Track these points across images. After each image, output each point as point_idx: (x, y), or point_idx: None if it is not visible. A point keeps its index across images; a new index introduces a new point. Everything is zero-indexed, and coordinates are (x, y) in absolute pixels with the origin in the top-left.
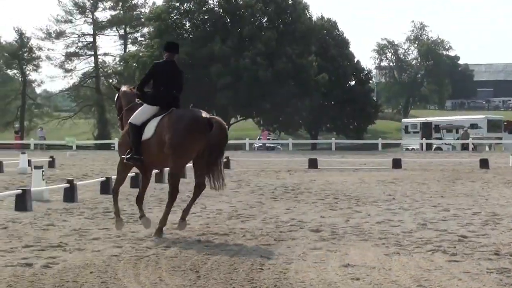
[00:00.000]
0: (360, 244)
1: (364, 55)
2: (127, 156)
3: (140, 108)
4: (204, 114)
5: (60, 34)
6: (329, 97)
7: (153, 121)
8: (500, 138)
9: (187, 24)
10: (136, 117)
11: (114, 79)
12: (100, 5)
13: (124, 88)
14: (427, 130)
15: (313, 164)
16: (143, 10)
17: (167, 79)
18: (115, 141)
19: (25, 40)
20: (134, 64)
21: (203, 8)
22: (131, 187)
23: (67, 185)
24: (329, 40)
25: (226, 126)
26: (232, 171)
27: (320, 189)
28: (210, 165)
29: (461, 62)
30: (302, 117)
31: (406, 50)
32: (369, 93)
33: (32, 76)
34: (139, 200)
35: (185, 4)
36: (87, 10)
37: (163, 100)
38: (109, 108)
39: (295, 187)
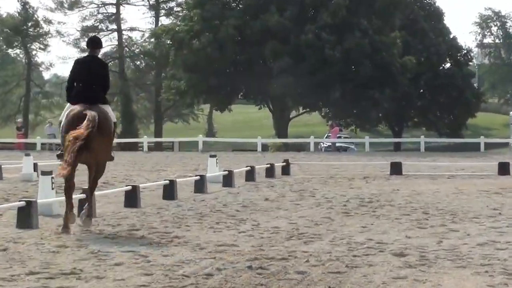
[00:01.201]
0: (456, 272)
1: (463, 29)
2: (58, 153)
3: (66, 107)
4: (86, 111)
5: (74, 4)
6: (417, 83)
7: None
8: None
9: None
10: (62, 115)
11: (142, 61)
12: None
13: None
14: None
15: (396, 169)
16: None
17: (86, 74)
18: (145, 140)
19: (31, 12)
20: (168, 42)
21: None
22: (163, 198)
23: (82, 195)
24: (417, 11)
25: (96, 120)
26: (292, 178)
27: (405, 202)
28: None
29: None
30: (382, 109)
31: None
32: (469, 79)
33: (39, 57)
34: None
35: None
36: None
37: (81, 96)
38: (137, 98)
39: (373, 199)
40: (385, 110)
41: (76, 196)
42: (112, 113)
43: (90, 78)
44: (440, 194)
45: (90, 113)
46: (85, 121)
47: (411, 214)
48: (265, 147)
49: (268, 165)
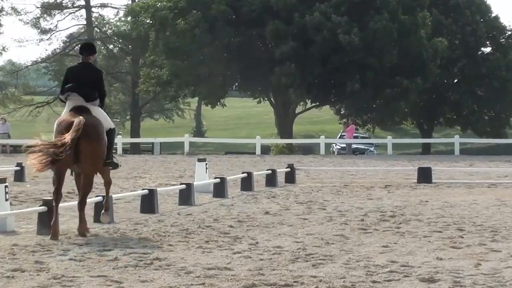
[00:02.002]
0: None
1: (507, 7)
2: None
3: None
4: (74, 118)
5: None
6: (450, 72)
7: None
8: None
9: None
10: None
11: (116, 45)
12: None
13: None
14: None
15: (425, 176)
16: None
17: (78, 80)
18: (119, 141)
19: None
20: (148, 21)
21: None
22: (141, 211)
23: (43, 208)
24: None
25: (81, 125)
26: (298, 187)
27: (435, 216)
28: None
29: None
30: (407, 103)
31: None
32: None
33: None
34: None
35: None
36: None
37: (71, 105)
38: (109, 89)
39: (397, 213)
40: (412, 104)
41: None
42: (106, 118)
43: (81, 84)
44: (478, 207)
45: (77, 119)
46: (72, 128)
47: (443, 231)
48: (265, 149)
49: (269, 171)
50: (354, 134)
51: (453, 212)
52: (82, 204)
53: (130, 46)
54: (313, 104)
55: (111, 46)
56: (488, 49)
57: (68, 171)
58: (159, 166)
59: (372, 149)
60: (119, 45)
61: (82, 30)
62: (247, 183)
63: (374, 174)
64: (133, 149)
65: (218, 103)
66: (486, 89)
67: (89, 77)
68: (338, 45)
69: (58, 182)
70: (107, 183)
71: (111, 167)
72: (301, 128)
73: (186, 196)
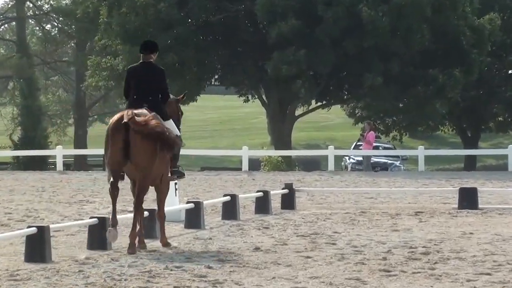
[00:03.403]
0: None
1: None
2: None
3: None
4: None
5: None
6: (504, 60)
7: None
8: None
9: None
10: None
11: (56, 23)
12: None
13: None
14: None
15: (469, 199)
16: None
17: (140, 84)
18: (59, 153)
19: None
20: None
21: None
22: (89, 247)
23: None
24: None
25: (140, 125)
26: (299, 215)
27: (483, 253)
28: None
29: None
30: (445, 102)
31: None
32: None
33: None
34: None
35: None
36: None
37: (135, 108)
38: (46, 84)
39: (431, 249)
40: (452, 104)
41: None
42: (171, 125)
43: (145, 89)
44: None
45: (128, 112)
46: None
47: (493, 273)
48: (255, 164)
49: (260, 194)
50: (375, 144)
51: (506, 248)
52: (137, 210)
53: (73, 27)
54: (319, 104)
55: (48, 27)
56: None
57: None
58: None
59: (398, 163)
60: (59, 25)
61: (10, 5)
62: (230, 210)
63: (401, 197)
64: (78, 164)
65: (192, 102)
66: None
67: (152, 78)
68: (355, 25)
69: (114, 178)
70: (163, 198)
71: (176, 176)
72: (303, 135)
73: (149, 226)
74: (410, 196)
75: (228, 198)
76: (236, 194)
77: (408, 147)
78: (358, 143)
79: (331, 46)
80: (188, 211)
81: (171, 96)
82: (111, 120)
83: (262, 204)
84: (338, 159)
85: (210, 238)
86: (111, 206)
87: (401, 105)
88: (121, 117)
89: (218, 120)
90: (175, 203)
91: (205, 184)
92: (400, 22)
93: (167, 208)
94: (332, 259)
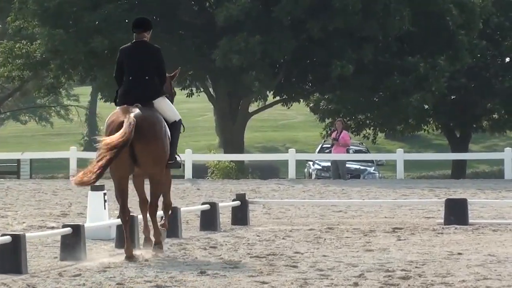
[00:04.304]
0: None
1: None
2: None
3: None
4: (125, 115)
5: None
6: (499, 46)
7: None
8: None
9: None
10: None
11: None
12: None
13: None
14: None
15: (457, 213)
16: None
17: (134, 65)
18: None
19: None
20: None
21: None
22: (1, 271)
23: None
24: None
25: (132, 125)
26: (253, 231)
27: (474, 278)
28: None
29: None
30: (428, 96)
31: None
32: None
33: None
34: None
35: None
36: None
37: (128, 96)
38: None
39: (412, 273)
40: (436, 98)
41: None
42: (170, 108)
43: (138, 69)
44: None
45: (129, 118)
46: (122, 128)
47: None
48: (200, 170)
49: (207, 206)
50: (345, 145)
51: (501, 272)
52: (152, 209)
53: None
54: (277, 98)
55: None
56: None
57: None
58: (29, 198)
59: (372, 169)
60: None
61: None
62: (171, 226)
63: (376, 210)
64: None
65: None
66: None
67: (148, 57)
68: (320, 3)
69: (122, 197)
70: (167, 188)
71: (174, 167)
72: (258, 136)
73: (72, 245)
74: (386, 209)
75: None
76: (178, 207)
77: (385, 150)
78: (325, 145)
79: (292, 29)
80: (119, 227)
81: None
82: (108, 122)
83: (209, 219)
84: (300, 164)
85: (146, 260)
86: (124, 233)
87: (375, 99)
88: (121, 123)
89: None
90: (104, 218)
91: None
92: (374, 1)
93: (93, 224)
94: (293, 285)
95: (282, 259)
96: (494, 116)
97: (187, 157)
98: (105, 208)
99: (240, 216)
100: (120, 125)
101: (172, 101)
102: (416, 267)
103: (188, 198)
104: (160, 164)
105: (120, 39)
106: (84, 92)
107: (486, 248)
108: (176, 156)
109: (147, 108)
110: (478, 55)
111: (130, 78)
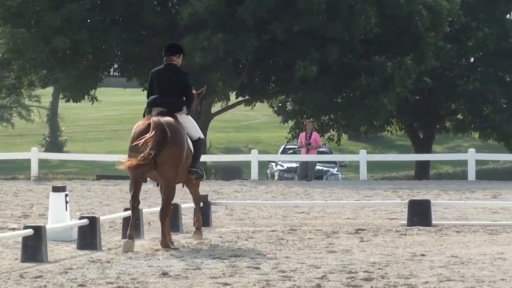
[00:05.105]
0: None
1: None
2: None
3: None
4: (148, 120)
5: None
6: (464, 46)
7: None
8: None
9: None
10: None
11: None
12: None
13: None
14: None
15: (420, 214)
16: None
17: (161, 86)
18: None
19: None
20: None
21: None
22: None
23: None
24: None
25: (162, 126)
26: (215, 233)
27: (437, 279)
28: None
29: None
30: (392, 97)
31: None
32: None
33: None
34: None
35: None
36: None
37: (156, 102)
38: None
39: (374, 274)
40: (400, 99)
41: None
42: (193, 126)
43: (165, 88)
44: (506, 264)
45: (154, 120)
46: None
47: None
48: None
49: None
50: (304, 143)
51: (465, 273)
52: (163, 212)
53: None
54: (240, 99)
55: None
56: None
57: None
58: None
59: (335, 171)
60: None
61: None
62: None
63: (339, 211)
64: None
65: (87, 97)
66: None
67: (174, 78)
68: (285, 4)
69: (135, 187)
70: (196, 200)
71: (194, 177)
72: (221, 136)
73: (34, 246)
74: (349, 210)
75: (130, 213)
76: (140, 208)
77: (348, 151)
78: (288, 146)
79: (256, 29)
80: (81, 229)
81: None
82: (136, 125)
83: (171, 220)
84: (263, 165)
85: (108, 261)
86: (131, 217)
87: (339, 99)
88: (149, 125)
89: (118, 119)
90: (66, 219)
91: (102, 196)
92: (339, 2)
93: (55, 225)
94: (255, 286)
95: (244, 261)
96: (458, 117)
97: None
98: (66, 210)
99: (203, 217)
100: (146, 127)
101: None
102: (379, 268)
103: (150, 199)
104: (175, 170)
105: (82, 39)
106: (46, 92)
107: (449, 249)
108: (199, 167)
109: (171, 118)
110: (442, 57)
111: (157, 95)
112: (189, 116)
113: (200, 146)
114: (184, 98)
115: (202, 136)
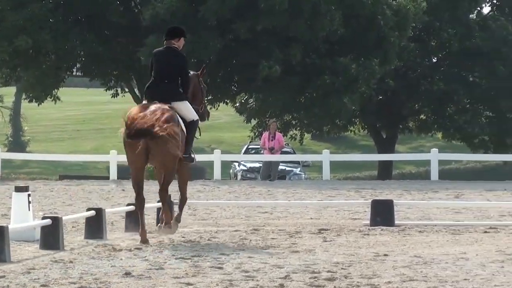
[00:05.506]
0: None
1: None
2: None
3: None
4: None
5: None
6: (427, 45)
7: None
8: None
9: None
10: None
11: None
12: None
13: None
14: None
15: (383, 214)
16: None
17: (159, 68)
18: None
19: None
20: None
21: None
22: None
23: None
24: None
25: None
26: (178, 232)
27: (400, 279)
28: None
29: None
30: (356, 97)
31: None
32: None
33: None
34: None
35: None
36: None
37: (151, 93)
38: None
39: (337, 274)
40: (364, 99)
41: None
42: (188, 109)
43: (163, 72)
44: (468, 264)
45: (156, 104)
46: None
47: None
48: (125, 171)
49: (132, 207)
50: (267, 146)
51: (428, 273)
52: (162, 193)
53: None
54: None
55: None
56: (487, 10)
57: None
58: None
59: (298, 170)
60: None
61: None
62: (95, 227)
63: (302, 211)
64: None
65: (50, 98)
66: (485, 74)
67: (171, 62)
68: (248, 3)
69: (138, 184)
70: (183, 182)
71: (187, 161)
72: None
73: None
74: (312, 210)
75: (92, 212)
76: (102, 208)
77: (311, 151)
78: (251, 146)
79: (218, 29)
80: (44, 229)
81: (191, 72)
82: (130, 110)
83: (134, 220)
84: (226, 165)
85: (71, 261)
86: (140, 219)
87: (302, 99)
88: (145, 108)
89: (81, 119)
90: (28, 219)
91: (64, 196)
92: (302, 1)
93: (18, 225)
94: (218, 286)
95: (207, 261)
96: (421, 117)
97: (112, 158)
98: (29, 209)
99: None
100: (142, 108)
101: (203, 95)
102: (342, 268)
103: (113, 199)
104: (171, 157)
105: (44, 38)
106: (8, 92)
107: (412, 249)
108: (192, 151)
109: (166, 105)
110: (406, 57)
111: (153, 79)
112: (185, 101)
113: (193, 127)
114: (180, 81)
115: (196, 118)
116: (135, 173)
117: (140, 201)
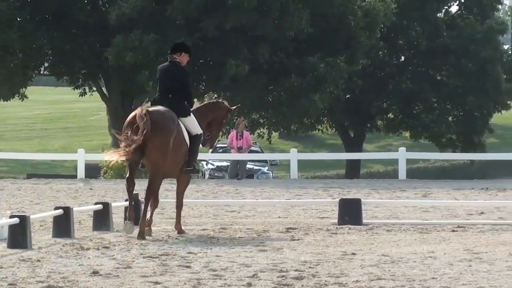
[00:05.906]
0: None
1: None
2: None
3: None
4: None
5: None
6: (395, 45)
7: None
8: None
9: None
10: None
11: None
12: None
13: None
14: None
15: (350, 213)
16: None
17: (162, 82)
18: None
19: None
20: None
21: None
22: None
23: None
24: None
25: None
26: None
27: (367, 278)
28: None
29: None
30: (324, 96)
31: None
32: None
33: None
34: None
35: None
36: None
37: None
38: None
39: (305, 273)
40: (332, 97)
41: None
42: (193, 123)
43: (166, 86)
44: (436, 263)
45: (137, 112)
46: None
47: None
48: (93, 170)
49: (99, 206)
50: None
51: (395, 272)
52: (147, 196)
53: None
54: None
55: None
56: (455, 8)
57: None
58: None
59: (266, 169)
60: None
61: None
62: (63, 226)
63: (269, 210)
64: None
65: (17, 96)
66: (452, 72)
67: (174, 76)
68: (215, 2)
69: (130, 170)
70: (181, 191)
71: (192, 174)
72: None
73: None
74: (280, 209)
75: (60, 211)
76: (70, 206)
77: (279, 150)
78: (219, 145)
79: (186, 28)
80: (11, 227)
81: (225, 103)
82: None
83: (101, 219)
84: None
85: (39, 260)
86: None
87: (269, 98)
88: (134, 116)
89: (48, 118)
90: None
91: (32, 195)
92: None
93: None
94: (186, 285)
95: (175, 259)
96: (389, 115)
97: (80, 157)
98: None
99: (134, 216)
100: (133, 118)
101: (220, 127)
102: (310, 267)
103: (81, 198)
104: (162, 155)
105: (11, 37)
106: None
107: (380, 248)
108: (195, 163)
109: (161, 107)
110: (373, 55)
111: (158, 94)
112: (191, 116)
113: (196, 141)
114: (183, 97)
115: (200, 132)
116: (130, 165)
117: (128, 184)
